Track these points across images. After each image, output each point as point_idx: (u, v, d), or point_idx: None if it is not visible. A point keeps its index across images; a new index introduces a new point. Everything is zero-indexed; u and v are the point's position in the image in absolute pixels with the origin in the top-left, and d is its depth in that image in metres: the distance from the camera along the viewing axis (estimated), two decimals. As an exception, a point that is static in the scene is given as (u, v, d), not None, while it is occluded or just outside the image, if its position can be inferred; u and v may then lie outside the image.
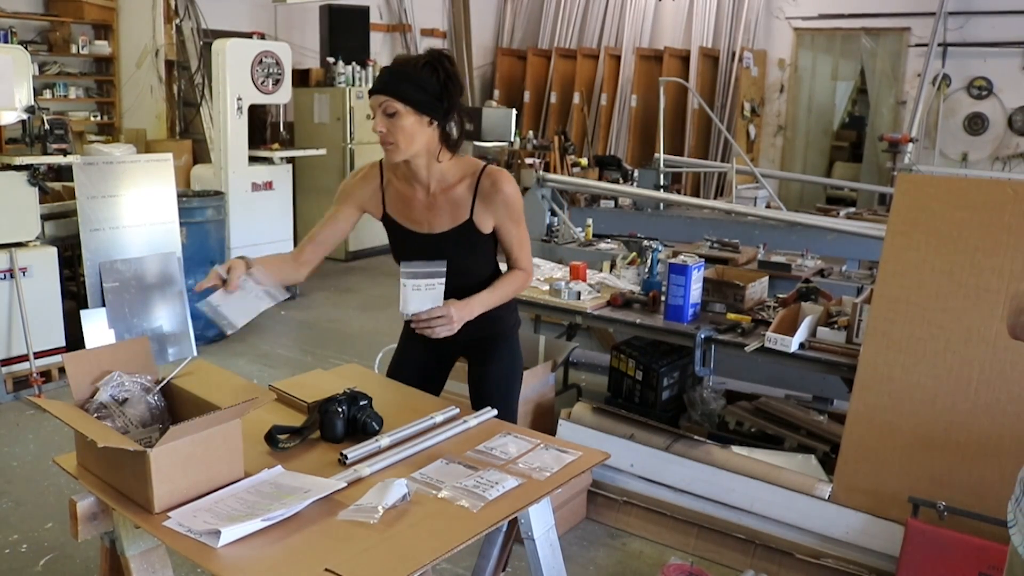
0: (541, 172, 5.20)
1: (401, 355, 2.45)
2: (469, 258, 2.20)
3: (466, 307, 2.12)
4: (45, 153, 4.52)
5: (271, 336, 5.77)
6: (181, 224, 5.21)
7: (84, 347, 4.35)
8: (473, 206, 2.14)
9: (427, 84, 2.02)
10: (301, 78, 8.03)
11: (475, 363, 2.36)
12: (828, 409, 3.64)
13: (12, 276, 4.41)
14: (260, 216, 6.31)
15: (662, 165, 6.09)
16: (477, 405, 2.31)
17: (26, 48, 5.44)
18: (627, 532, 3.20)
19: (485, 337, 2.31)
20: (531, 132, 9.76)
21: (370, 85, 8.06)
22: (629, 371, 4.03)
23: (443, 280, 2.06)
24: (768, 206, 6.53)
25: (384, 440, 1.89)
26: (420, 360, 2.40)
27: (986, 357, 2.61)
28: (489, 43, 11.18)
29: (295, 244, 6.75)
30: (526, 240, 2.27)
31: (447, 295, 2.11)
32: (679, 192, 8.02)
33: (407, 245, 2.22)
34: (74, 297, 5.10)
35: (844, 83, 10.05)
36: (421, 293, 2.08)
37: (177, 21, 7.08)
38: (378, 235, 8.02)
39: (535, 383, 3.55)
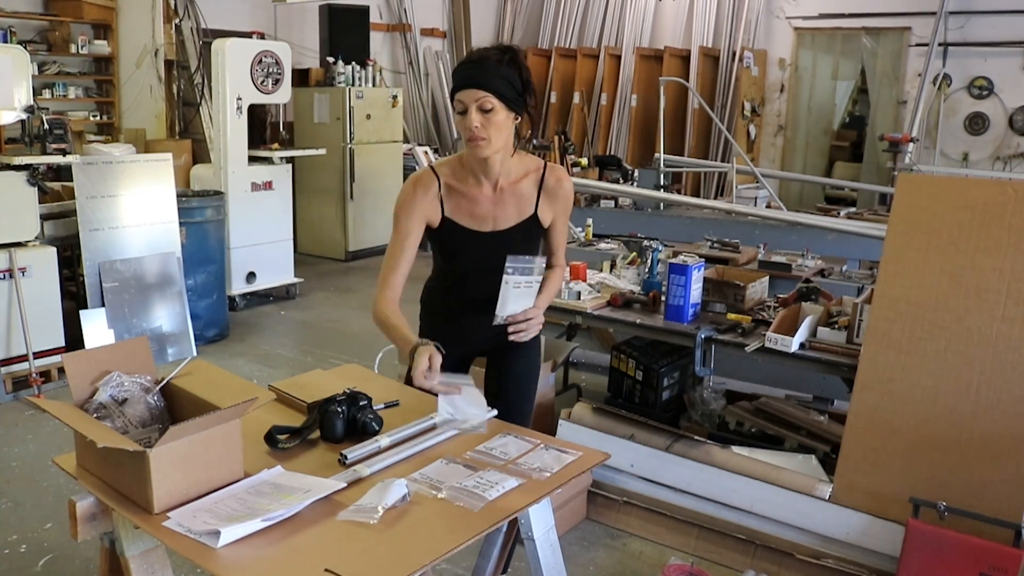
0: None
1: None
2: (529, 248, 2.21)
3: (539, 306, 2.14)
4: (44, 153, 4.52)
5: (271, 336, 5.76)
6: (181, 224, 5.20)
7: (83, 347, 4.35)
8: (538, 201, 2.17)
9: (514, 80, 2.03)
10: (301, 78, 8.03)
11: (496, 360, 2.35)
12: (828, 409, 3.64)
13: (11, 276, 4.40)
14: (260, 216, 6.30)
15: (662, 165, 6.09)
16: (495, 401, 2.31)
17: (25, 48, 5.44)
18: (627, 532, 3.20)
19: (507, 335, 2.30)
20: (531, 132, 9.75)
21: (370, 85, 8.13)
22: (629, 371, 4.03)
23: (540, 278, 2.07)
24: (768, 206, 6.53)
25: (384, 440, 1.88)
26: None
27: (987, 357, 2.60)
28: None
29: (294, 244, 6.77)
30: (566, 235, 2.33)
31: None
32: (679, 192, 8.02)
33: (469, 246, 2.19)
34: (73, 297, 5.10)
35: (844, 83, 10.05)
36: (520, 291, 2.07)
37: (176, 21, 7.08)
38: (378, 235, 8.06)
39: (535, 383, 3.55)
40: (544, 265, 2.07)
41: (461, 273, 2.24)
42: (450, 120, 10.02)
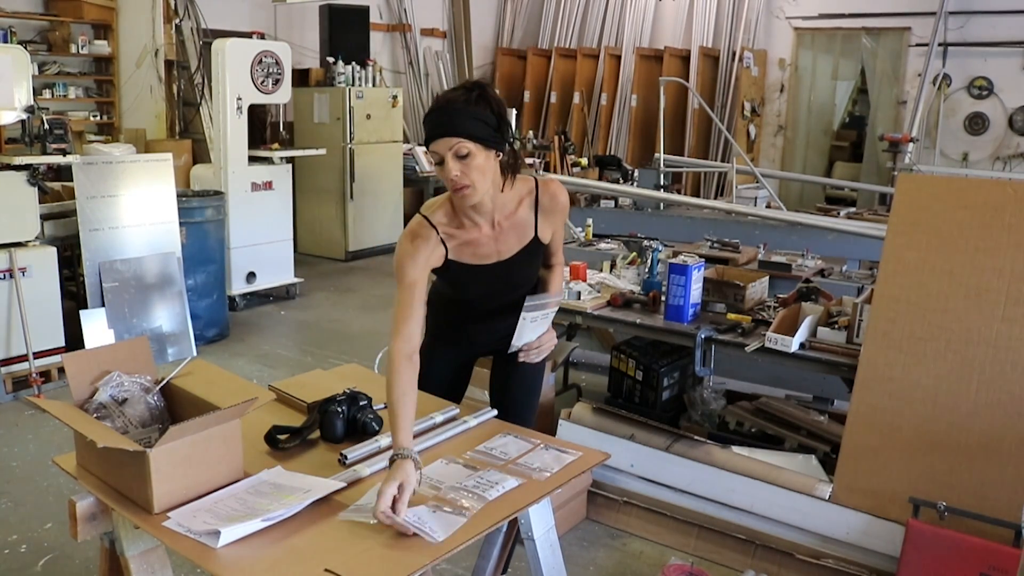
0: (541, 172, 5.20)
1: (427, 366, 2.42)
2: (532, 269, 2.22)
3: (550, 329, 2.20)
4: (44, 153, 4.52)
5: (271, 336, 5.76)
6: (181, 224, 5.20)
7: (84, 347, 4.35)
8: (537, 223, 2.13)
9: (487, 118, 1.93)
10: (301, 78, 8.03)
11: (501, 360, 2.35)
12: (828, 409, 3.64)
13: (12, 276, 4.40)
14: (260, 216, 6.30)
15: (662, 165, 6.09)
16: (500, 400, 2.32)
17: (26, 48, 5.44)
18: (627, 532, 3.20)
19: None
20: (531, 132, 9.76)
21: (370, 85, 8.13)
22: (629, 371, 4.03)
23: (556, 309, 2.12)
24: (768, 206, 6.53)
25: (384, 440, 1.89)
26: (444, 371, 2.37)
27: (987, 357, 2.60)
28: (489, 43, 11.18)
29: (294, 244, 6.76)
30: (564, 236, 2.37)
31: (511, 309, 2.11)
32: (679, 192, 8.02)
33: (475, 279, 2.14)
34: (74, 297, 5.10)
35: (844, 83, 10.05)
36: (536, 324, 2.11)
37: (177, 21, 7.08)
38: (378, 235, 8.07)
39: (535, 383, 3.55)
40: (559, 299, 2.11)
41: (469, 299, 2.24)
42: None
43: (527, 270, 2.20)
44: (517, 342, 2.11)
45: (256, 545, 1.50)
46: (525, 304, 2.04)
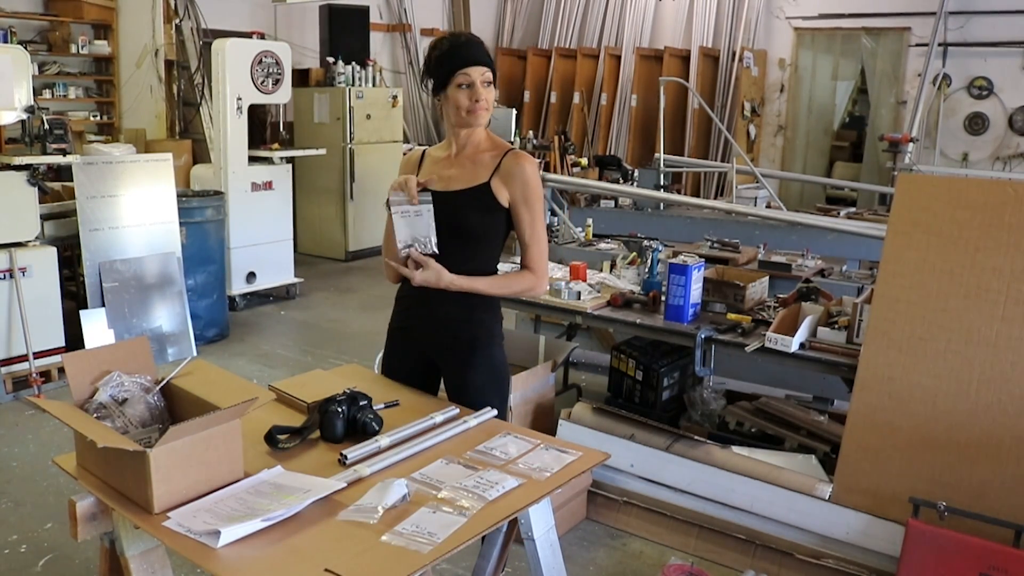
0: (541, 172, 5.19)
1: (388, 364, 2.44)
2: (478, 219, 2.24)
3: (452, 276, 2.18)
4: (44, 153, 4.52)
5: (271, 336, 5.76)
6: (181, 224, 5.20)
7: (84, 347, 4.35)
8: (493, 174, 2.25)
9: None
10: (301, 78, 8.03)
11: (449, 373, 2.33)
12: (828, 409, 3.64)
13: (12, 276, 4.40)
14: (260, 216, 6.31)
15: (662, 165, 6.08)
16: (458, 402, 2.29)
17: (26, 48, 5.44)
18: (627, 532, 3.20)
19: (462, 341, 2.28)
20: (531, 132, 9.76)
21: (370, 85, 8.13)
22: (629, 371, 4.03)
23: (430, 208, 2.15)
24: (768, 206, 6.52)
25: (384, 440, 1.88)
26: (406, 369, 2.37)
27: (987, 357, 2.60)
28: (489, 43, 11.15)
29: (294, 244, 6.78)
30: (542, 236, 2.30)
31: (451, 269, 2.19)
32: (679, 192, 8.02)
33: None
34: (74, 297, 5.10)
35: (844, 83, 10.04)
36: (410, 220, 2.16)
37: (177, 21, 7.08)
38: (378, 235, 8.08)
39: (535, 383, 3.55)
40: (429, 196, 2.15)
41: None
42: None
43: (470, 216, 2.22)
44: (397, 236, 2.19)
45: (256, 545, 1.50)
46: (391, 198, 2.19)
